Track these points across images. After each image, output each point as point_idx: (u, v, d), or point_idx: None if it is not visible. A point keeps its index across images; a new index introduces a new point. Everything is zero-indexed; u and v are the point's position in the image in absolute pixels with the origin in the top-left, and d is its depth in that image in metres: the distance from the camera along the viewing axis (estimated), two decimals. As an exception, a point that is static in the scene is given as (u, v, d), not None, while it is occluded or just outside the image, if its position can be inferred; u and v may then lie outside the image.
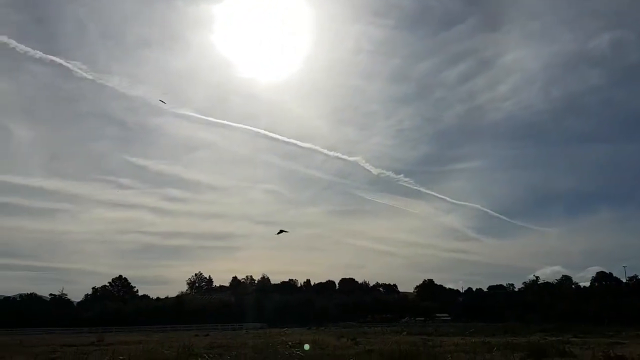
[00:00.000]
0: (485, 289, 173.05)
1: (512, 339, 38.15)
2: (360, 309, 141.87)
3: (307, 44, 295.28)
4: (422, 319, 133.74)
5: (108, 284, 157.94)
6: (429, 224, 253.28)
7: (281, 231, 48.31)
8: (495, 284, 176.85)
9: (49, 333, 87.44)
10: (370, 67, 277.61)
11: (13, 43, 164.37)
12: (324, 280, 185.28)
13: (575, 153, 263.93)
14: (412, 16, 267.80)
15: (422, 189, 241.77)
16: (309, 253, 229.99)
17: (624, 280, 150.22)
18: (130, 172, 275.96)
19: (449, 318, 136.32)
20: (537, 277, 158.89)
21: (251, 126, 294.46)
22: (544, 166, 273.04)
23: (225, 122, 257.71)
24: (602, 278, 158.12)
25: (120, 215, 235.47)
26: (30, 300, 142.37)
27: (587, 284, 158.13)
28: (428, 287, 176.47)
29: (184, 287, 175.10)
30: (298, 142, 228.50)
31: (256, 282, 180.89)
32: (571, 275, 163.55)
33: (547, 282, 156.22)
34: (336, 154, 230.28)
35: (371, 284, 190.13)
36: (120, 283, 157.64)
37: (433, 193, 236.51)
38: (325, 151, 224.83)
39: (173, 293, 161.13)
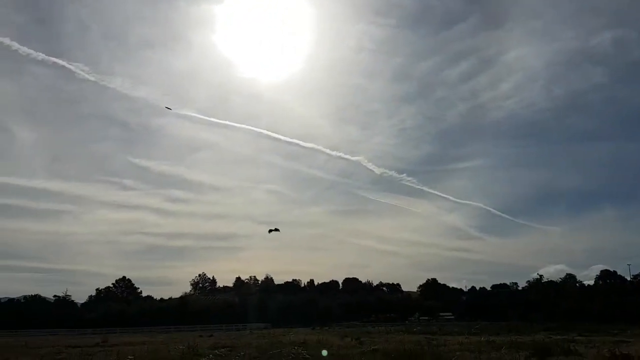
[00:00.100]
0: (488, 288, 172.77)
1: (516, 337, 38.12)
2: (364, 309, 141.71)
3: (308, 44, 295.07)
4: (426, 318, 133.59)
5: (112, 285, 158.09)
6: (432, 223, 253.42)
7: (271, 230, 48.29)
8: (498, 282, 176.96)
9: (54, 334, 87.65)
10: (372, 66, 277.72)
11: (15, 45, 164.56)
12: (327, 280, 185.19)
13: (578, 151, 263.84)
14: (413, 15, 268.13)
15: (425, 188, 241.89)
16: (312, 253, 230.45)
17: (629, 279, 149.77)
18: (133, 173, 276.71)
19: (452, 317, 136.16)
20: (540, 276, 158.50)
21: (253, 126, 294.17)
22: (546, 164, 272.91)
23: (227, 122, 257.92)
24: (606, 276, 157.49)
25: (124, 216, 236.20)
26: (35, 301, 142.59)
27: (591, 282, 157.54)
28: (431, 286, 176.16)
29: (188, 288, 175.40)
30: (300, 142, 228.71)
31: (260, 282, 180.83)
32: (575, 274, 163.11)
33: (551, 281, 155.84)
34: (338, 154, 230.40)
35: (375, 284, 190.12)
36: (124, 284, 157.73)
37: (436, 192, 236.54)
38: (328, 151, 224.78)
39: (177, 294, 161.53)
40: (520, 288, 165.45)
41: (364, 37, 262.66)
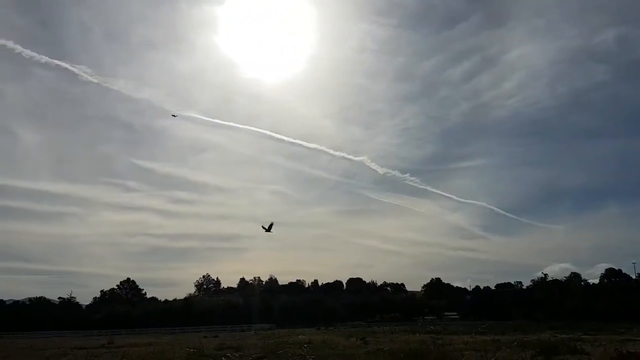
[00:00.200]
0: (493, 287, 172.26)
1: (522, 336, 38.04)
2: (368, 309, 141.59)
3: (310, 44, 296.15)
4: (430, 317, 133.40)
5: (116, 287, 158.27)
6: (436, 223, 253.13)
7: (267, 229, 48.25)
8: (503, 281, 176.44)
9: (59, 336, 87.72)
10: (374, 66, 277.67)
11: (19, 48, 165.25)
12: (331, 281, 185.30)
13: (582, 149, 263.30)
14: (415, 15, 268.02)
15: (428, 188, 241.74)
16: (316, 253, 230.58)
17: (634, 277, 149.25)
18: (137, 174, 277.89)
19: (457, 316, 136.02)
20: (545, 275, 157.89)
21: (256, 127, 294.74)
22: (550, 163, 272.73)
23: (230, 123, 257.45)
24: (612, 275, 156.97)
25: (128, 218, 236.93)
26: (39, 303, 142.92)
27: (596, 280, 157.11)
28: (436, 286, 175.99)
29: (192, 289, 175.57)
30: (303, 143, 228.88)
31: (264, 283, 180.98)
32: (580, 272, 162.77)
33: (556, 280, 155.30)
34: (342, 154, 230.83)
35: (379, 284, 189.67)
36: (129, 286, 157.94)
37: (439, 192, 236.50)
38: (331, 151, 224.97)
39: (181, 295, 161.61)
40: (524, 287, 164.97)
41: (366, 37, 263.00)
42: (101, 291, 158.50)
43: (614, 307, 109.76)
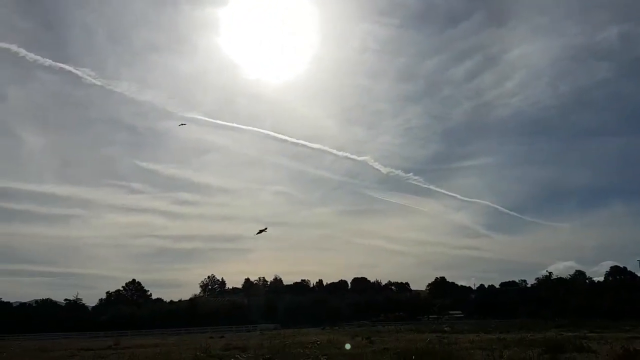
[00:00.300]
0: (497, 286, 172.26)
1: (527, 335, 38.09)
2: (373, 308, 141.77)
3: (312, 44, 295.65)
4: (435, 316, 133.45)
5: (122, 288, 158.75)
6: (440, 222, 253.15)
7: (260, 231, 48.19)
8: (507, 280, 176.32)
9: (66, 338, 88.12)
10: (376, 66, 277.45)
11: (23, 52, 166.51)
12: (336, 280, 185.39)
13: (586, 147, 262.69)
14: (417, 14, 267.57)
15: (432, 187, 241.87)
16: (320, 253, 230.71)
17: (639, 275, 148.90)
18: (141, 176, 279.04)
19: (462, 315, 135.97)
20: (550, 273, 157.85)
21: (259, 128, 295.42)
22: (553, 161, 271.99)
23: (233, 124, 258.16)
24: (616, 272, 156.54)
25: (133, 219, 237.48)
26: (46, 305, 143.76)
27: (601, 278, 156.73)
28: (440, 285, 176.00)
29: (197, 290, 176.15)
30: (306, 143, 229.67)
31: (268, 283, 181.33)
32: (585, 270, 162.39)
33: (561, 278, 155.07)
34: (345, 154, 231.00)
35: (383, 283, 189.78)
36: (134, 287, 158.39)
37: (442, 191, 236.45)
38: (334, 151, 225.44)
39: (186, 296, 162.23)
40: (529, 285, 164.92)
41: (368, 37, 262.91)
42: (107, 293, 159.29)
43: (619, 305, 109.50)
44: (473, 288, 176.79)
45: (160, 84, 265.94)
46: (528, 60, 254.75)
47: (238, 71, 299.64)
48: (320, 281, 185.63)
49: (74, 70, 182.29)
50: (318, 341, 36.10)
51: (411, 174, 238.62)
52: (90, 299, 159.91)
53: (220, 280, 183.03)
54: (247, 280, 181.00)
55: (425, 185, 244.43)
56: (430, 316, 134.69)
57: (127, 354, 32.93)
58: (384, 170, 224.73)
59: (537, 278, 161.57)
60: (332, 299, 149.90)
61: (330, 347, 30.45)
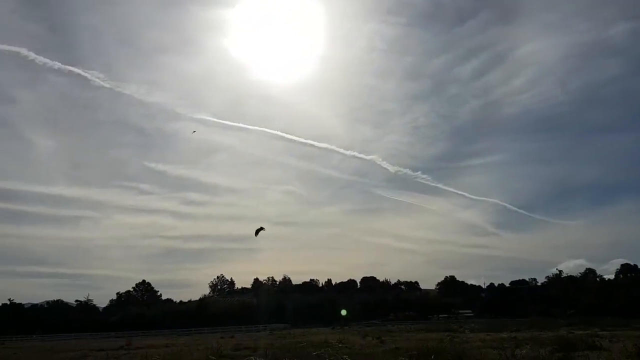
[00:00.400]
0: (507, 284, 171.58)
1: (538, 333, 37.93)
2: (382, 308, 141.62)
3: (319, 45, 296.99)
4: (446, 315, 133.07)
5: (132, 289, 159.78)
6: (448, 220, 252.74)
7: (258, 230, 48.11)
8: (516, 278, 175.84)
9: (78, 338, 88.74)
10: (384, 65, 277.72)
11: (32, 55, 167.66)
12: (345, 280, 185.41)
13: (595, 144, 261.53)
14: (424, 13, 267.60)
15: (440, 186, 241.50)
16: (329, 253, 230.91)
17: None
18: (150, 177, 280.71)
19: (472, 314, 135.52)
20: (560, 271, 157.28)
21: (267, 128, 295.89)
22: (563, 159, 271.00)
23: (241, 125, 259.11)
24: (627, 270, 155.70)
25: (142, 220, 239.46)
26: (57, 306, 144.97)
27: (612, 276, 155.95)
28: (450, 284, 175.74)
29: (207, 290, 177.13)
30: (314, 143, 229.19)
31: (277, 283, 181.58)
32: (595, 268, 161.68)
33: (571, 276, 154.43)
34: (353, 153, 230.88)
35: (392, 282, 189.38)
36: (144, 288, 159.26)
37: (451, 189, 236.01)
38: (342, 150, 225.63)
39: (196, 296, 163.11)
40: (539, 284, 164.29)
41: (375, 37, 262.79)
42: (117, 293, 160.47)
43: (630, 303, 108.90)
44: (483, 287, 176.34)
45: (169, 85, 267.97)
46: (537, 58, 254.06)
47: (246, 72, 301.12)
48: (329, 281, 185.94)
49: (82, 73, 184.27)
50: (332, 341, 36.10)
51: (419, 172, 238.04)
52: (101, 300, 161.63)
53: (230, 280, 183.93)
54: (256, 280, 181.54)
55: (434, 184, 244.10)
56: (440, 315, 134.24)
57: (139, 355, 33.09)
58: (391, 169, 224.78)
59: (547, 276, 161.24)
60: (342, 299, 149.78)
61: (342, 348, 30.41)
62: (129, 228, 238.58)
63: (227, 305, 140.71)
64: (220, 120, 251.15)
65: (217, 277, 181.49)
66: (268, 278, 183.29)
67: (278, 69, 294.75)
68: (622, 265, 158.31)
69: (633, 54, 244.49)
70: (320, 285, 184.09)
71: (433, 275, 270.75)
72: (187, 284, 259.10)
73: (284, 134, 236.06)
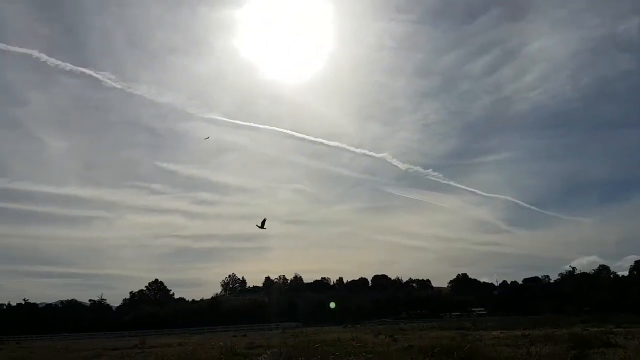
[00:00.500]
0: (520, 282, 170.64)
1: (552, 331, 37.74)
2: (394, 306, 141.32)
3: (328, 43, 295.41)
4: (458, 313, 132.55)
5: (145, 288, 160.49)
6: (460, 218, 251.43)
7: (258, 226, 48.23)
8: (529, 276, 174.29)
9: (92, 338, 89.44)
10: (393, 63, 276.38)
11: (44, 57, 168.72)
12: (356, 278, 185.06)
13: (607, 140, 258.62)
14: (433, 10, 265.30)
15: (451, 183, 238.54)
16: (340, 251, 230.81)
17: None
18: (161, 177, 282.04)
19: (485, 312, 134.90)
20: (573, 268, 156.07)
21: (277, 127, 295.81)
22: (575, 155, 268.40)
23: (252, 124, 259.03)
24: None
25: (154, 220, 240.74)
26: (71, 306, 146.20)
27: (626, 273, 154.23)
28: (462, 282, 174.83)
29: (218, 289, 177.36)
30: (325, 141, 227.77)
31: (289, 281, 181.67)
32: (608, 265, 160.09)
33: (584, 273, 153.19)
34: (363, 151, 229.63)
35: (404, 280, 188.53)
36: (157, 287, 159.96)
37: (462, 186, 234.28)
38: (352, 149, 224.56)
39: (208, 295, 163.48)
40: (552, 281, 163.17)
41: (385, 35, 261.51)
42: (130, 293, 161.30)
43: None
44: (495, 284, 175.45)
45: (179, 85, 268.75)
46: (548, 54, 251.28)
47: (255, 72, 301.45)
48: (341, 279, 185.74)
49: (94, 74, 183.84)
50: (344, 339, 36.14)
51: (430, 170, 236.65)
52: (114, 299, 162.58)
53: (241, 279, 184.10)
54: (268, 278, 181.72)
55: (445, 181, 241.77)
56: (452, 313, 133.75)
57: (153, 353, 33.33)
58: (402, 166, 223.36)
59: (560, 273, 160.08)
60: (353, 297, 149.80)
61: (358, 347, 30.40)
62: (141, 228, 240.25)
63: (238, 303, 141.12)
64: (231, 120, 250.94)
65: (229, 276, 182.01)
66: (279, 277, 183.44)
67: (287, 68, 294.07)
68: (635, 262, 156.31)
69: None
70: (332, 283, 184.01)
71: (445, 273, 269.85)
72: (198, 282, 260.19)
73: (294, 133, 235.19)
